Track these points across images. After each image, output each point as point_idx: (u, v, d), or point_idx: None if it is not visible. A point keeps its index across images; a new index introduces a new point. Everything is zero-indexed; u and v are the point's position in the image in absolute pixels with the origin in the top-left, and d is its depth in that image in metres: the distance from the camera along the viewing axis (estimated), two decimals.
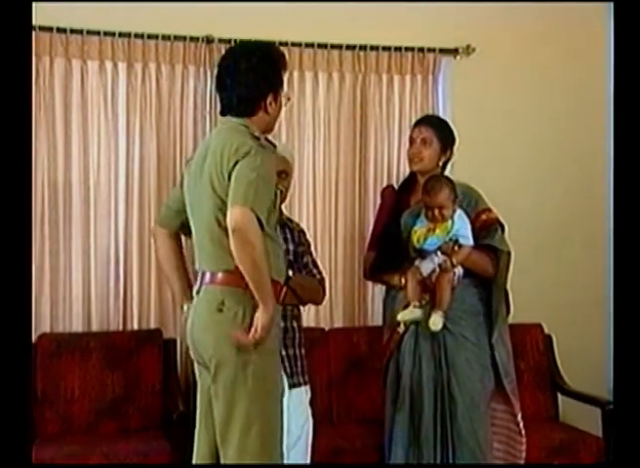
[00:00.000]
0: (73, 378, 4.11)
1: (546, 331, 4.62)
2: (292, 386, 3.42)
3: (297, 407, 3.45)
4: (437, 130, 3.69)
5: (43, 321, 4.26)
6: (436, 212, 3.45)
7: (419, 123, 3.77)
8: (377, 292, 4.49)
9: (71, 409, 4.08)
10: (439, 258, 3.49)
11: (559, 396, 4.52)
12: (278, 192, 2.89)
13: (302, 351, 3.53)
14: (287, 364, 3.42)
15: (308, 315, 4.50)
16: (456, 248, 3.48)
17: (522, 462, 3.61)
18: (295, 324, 3.50)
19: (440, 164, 3.71)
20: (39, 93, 4.23)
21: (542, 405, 4.47)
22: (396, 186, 3.94)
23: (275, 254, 2.87)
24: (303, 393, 3.50)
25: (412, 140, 3.71)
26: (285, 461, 3.39)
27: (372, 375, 4.07)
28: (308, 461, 3.54)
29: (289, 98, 3.12)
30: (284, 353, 3.37)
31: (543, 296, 4.72)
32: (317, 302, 3.72)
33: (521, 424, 3.59)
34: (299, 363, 3.50)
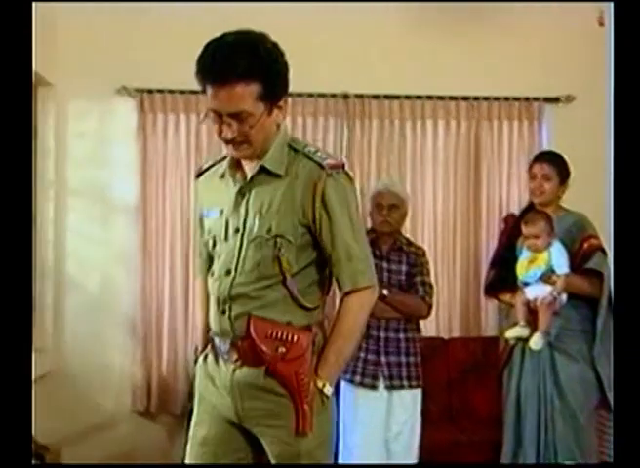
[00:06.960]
0: None
1: None
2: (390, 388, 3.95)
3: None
4: (556, 165, 3.94)
5: None
6: (531, 240, 3.82)
7: (539, 159, 4.04)
8: (490, 306, 5.07)
9: None
10: (542, 289, 3.79)
11: None
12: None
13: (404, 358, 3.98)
14: (386, 368, 3.95)
15: (429, 326, 4.98)
16: (554, 277, 3.76)
17: None
18: (393, 335, 3.96)
19: (560, 196, 3.99)
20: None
21: None
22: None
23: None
24: (407, 396, 3.99)
25: (533, 175, 3.95)
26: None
27: (486, 381, 4.52)
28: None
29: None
30: (384, 360, 3.93)
31: None
32: (421, 316, 4.08)
33: None
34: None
